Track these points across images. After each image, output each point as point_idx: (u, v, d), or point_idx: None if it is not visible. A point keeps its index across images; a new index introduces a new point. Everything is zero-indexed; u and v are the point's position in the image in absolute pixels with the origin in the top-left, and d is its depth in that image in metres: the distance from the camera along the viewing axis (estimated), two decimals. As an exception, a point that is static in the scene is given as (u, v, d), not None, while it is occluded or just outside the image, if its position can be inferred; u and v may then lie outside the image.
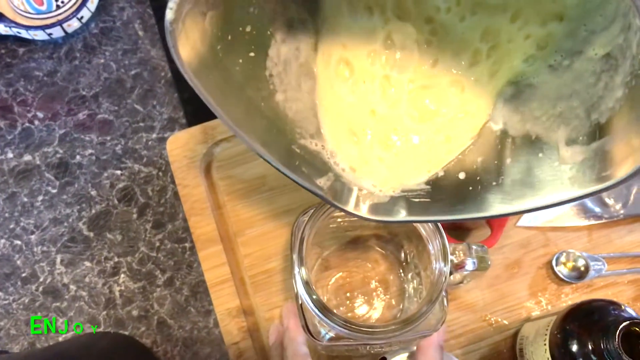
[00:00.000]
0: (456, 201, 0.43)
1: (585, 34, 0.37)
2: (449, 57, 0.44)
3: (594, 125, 0.37)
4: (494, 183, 0.42)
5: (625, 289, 0.60)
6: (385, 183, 0.44)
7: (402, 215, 0.44)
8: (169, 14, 0.32)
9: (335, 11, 0.45)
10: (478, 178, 0.43)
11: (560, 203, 0.38)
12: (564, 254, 0.60)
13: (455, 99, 0.45)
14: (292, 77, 0.45)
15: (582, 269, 0.59)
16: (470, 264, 0.47)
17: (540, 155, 0.41)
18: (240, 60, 0.41)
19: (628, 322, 0.42)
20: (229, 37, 0.39)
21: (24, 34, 0.70)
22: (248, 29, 0.40)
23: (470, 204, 0.42)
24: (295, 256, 0.46)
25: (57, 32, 0.70)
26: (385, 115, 0.45)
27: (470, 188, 0.43)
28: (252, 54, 0.42)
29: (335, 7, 0.44)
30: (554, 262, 0.60)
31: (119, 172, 0.68)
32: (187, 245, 0.65)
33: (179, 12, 0.32)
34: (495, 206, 0.41)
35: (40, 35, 0.70)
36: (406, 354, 0.53)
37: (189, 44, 0.35)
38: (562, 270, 0.60)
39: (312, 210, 0.48)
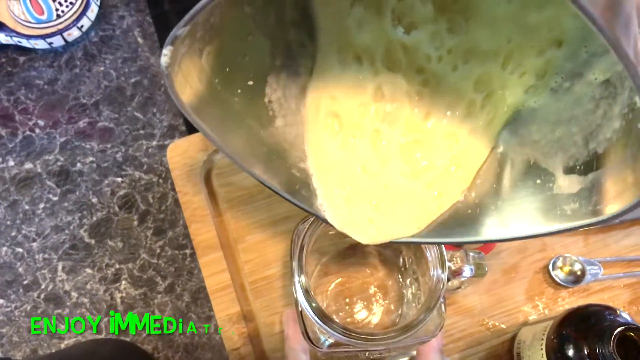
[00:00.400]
0: (455, 224, 0.43)
1: (586, 56, 0.37)
2: (442, 109, 0.43)
3: (592, 154, 0.37)
4: (493, 207, 0.43)
5: (621, 292, 0.61)
6: (374, 239, 0.44)
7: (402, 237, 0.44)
8: (164, 60, 0.32)
9: (326, 56, 0.44)
10: (477, 201, 0.43)
11: (556, 232, 0.38)
12: (561, 259, 0.61)
13: (448, 153, 0.44)
14: (291, 101, 0.45)
15: (579, 273, 0.60)
16: (467, 271, 0.48)
17: (538, 181, 0.41)
18: (239, 91, 0.41)
19: (623, 327, 0.43)
20: (227, 69, 0.39)
21: (24, 43, 0.70)
22: (246, 58, 0.40)
23: (469, 228, 0.43)
24: (295, 264, 0.47)
25: (57, 41, 0.71)
26: (375, 172, 0.45)
27: (469, 211, 0.43)
28: (250, 83, 0.41)
29: (328, 50, 0.44)
30: (550, 267, 0.60)
31: (119, 179, 0.69)
32: (188, 251, 0.66)
33: (174, 57, 0.32)
34: (493, 231, 0.42)
35: (40, 44, 0.71)
36: (406, 359, 0.54)
37: (187, 83, 0.35)
38: (559, 275, 0.60)
39: (312, 219, 0.48)
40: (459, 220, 0.44)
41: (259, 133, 0.44)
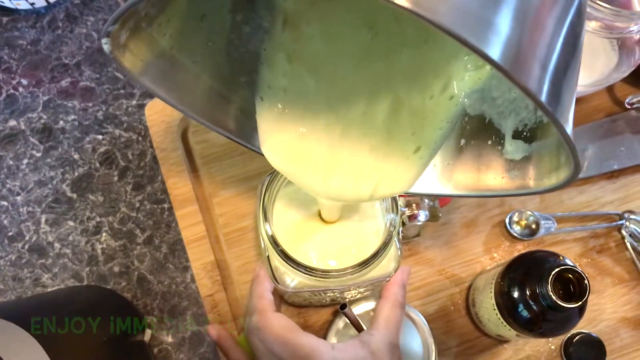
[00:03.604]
0: None
1: None
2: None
3: (538, 122, 0.38)
4: (447, 162, 0.45)
5: (572, 245, 0.64)
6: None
7: None
8: (106, 47, 0.32)
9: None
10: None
11: (497, 196, 0.41)
12: (517, 213, 0.64)
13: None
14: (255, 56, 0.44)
15: (534, 227, 0.64)
16: (422, 215, 0.52)
17: (490, 142, 0.42)
18: (198, 53, 0.41)
19: (559, 268, 0.47)
20: (182, 34, 0.38)
21: (7, 3, 0.72)
22: (204, 19, 0.39)
23: (425, 181, 0.45)
24: (260, 212, 0.50)
25: (39, 2, 0.73)
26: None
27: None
28: (210, 44, 0.41)
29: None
30: (507, 221, 0.64)
31: (100, 136, 0.71)
32: (166, 206, 0.69)
33: (116, 43, 0.32)
34: (443, 187, 0.44)
35: (23, 5, 0.73)
36: (373, 304, 0.58)
37: (138, 58, 0.36)
38: (515, 228, 0.64)
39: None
40: None
41: (223, 92, 0.45)
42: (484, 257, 0.64)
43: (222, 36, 0.42)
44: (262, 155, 0.46)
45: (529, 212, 0.64)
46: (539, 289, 0.48)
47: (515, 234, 0.64)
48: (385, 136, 0.42)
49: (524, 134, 0.40)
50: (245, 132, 0.47)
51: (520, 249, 0.64)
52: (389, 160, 0.43)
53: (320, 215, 0.53)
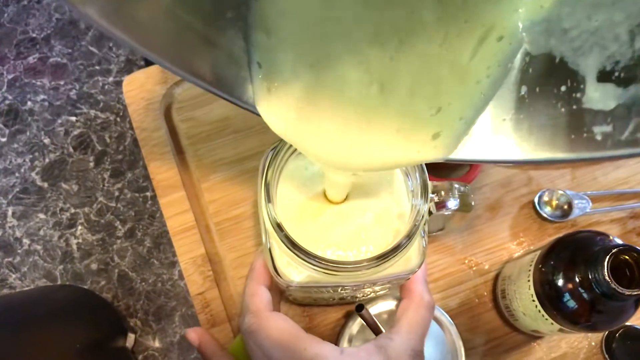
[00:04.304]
0: None
1: None
2: None
3: (637, 57, 0.29)
4: (504, 118, 0.35)
5: (609, 227, 0.57)
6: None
7: None
8: None
9: None
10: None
11: (578, 160, 0.31)
12: (547, 193, 0.57)
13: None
14: None
15: (566, 207, 0.57)
16: (452, 203, 0.44)
17: (564, 89, 0.32)
18: None
19: (617, 249, 0.39)
20: None
21: (-36, -31, 0.64)
22: None
23: (474, 142, 0.35)
24: (263, 191, 0.43)
25: (1, -32, 0.65)
26: None
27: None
28: None
29: None
30: (536, 201, 0.57)
31: (73, 118, 0.64)
32: (149, 194, 0.62)
33: None
34: (501, 149, 0.34)
35: (-18, -28, 0.65)
36: (391, 303, 0.50)
37: None
38: (545, 210, 0.57)
39: (280, 143, 0.44)
40: None
41: (201, 31, 0.35)
42: (511, 243, 0.57)
43: None
44: (257, 114, 0.37)
45: (560, 192, 0.57)
46: (592, 274, 0.41)
47: (545, 216, 0.56)
48: (420, 90, 0.34)
49: (616, 74, 0.30)
50: (232, 84, 0.37)
51: (552, 232, 0.57)
52: (422, 119, 0.35)
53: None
